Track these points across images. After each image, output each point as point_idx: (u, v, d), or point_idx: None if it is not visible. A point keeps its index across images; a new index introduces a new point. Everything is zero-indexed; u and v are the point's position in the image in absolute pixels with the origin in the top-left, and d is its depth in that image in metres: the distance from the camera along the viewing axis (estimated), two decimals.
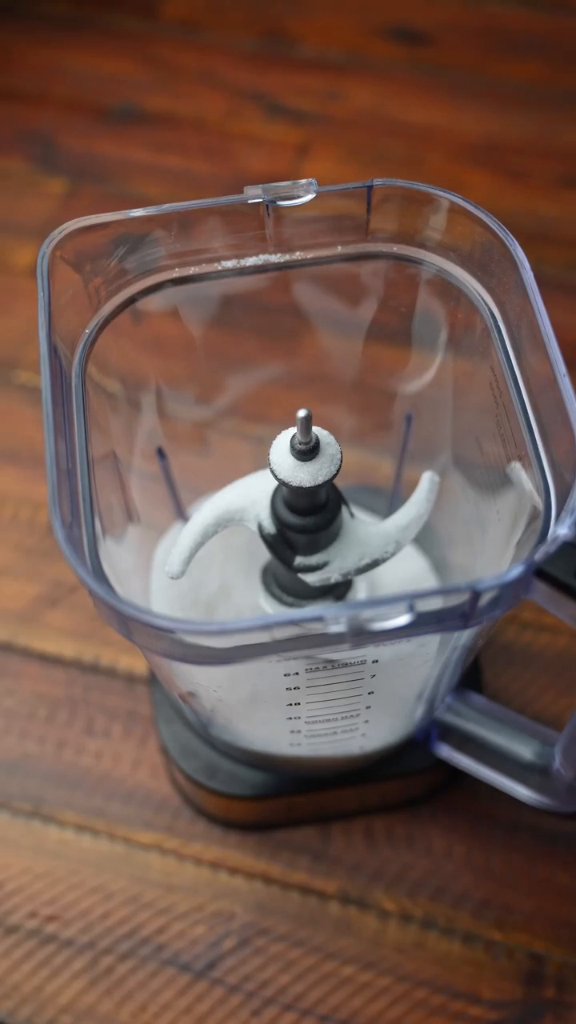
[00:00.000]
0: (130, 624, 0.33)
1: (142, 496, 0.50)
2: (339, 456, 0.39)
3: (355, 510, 0.43)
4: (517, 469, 0.39)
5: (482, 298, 0.41)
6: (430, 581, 0.54)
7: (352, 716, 0.45)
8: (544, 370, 0.37)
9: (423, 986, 0.51)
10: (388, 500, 0.57)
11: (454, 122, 0.80)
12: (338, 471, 0.39)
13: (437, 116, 0.81)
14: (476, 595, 0.33)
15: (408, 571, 0.54)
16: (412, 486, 0.44)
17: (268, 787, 0.52)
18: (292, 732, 0.46)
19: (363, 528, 0.42)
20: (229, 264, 0.42)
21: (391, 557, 0.43)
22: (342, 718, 0.45)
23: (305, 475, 0.39)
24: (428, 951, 0.52)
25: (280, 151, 0.79)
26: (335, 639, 0.33)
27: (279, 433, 0.40)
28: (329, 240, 0.42)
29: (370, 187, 0.40)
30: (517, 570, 0.33)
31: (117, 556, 0.41)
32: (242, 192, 0.40)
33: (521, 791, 0.47)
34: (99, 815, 0.55)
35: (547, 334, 0.37)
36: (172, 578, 0.43)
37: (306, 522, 0.41)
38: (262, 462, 0.41)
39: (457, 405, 0.48)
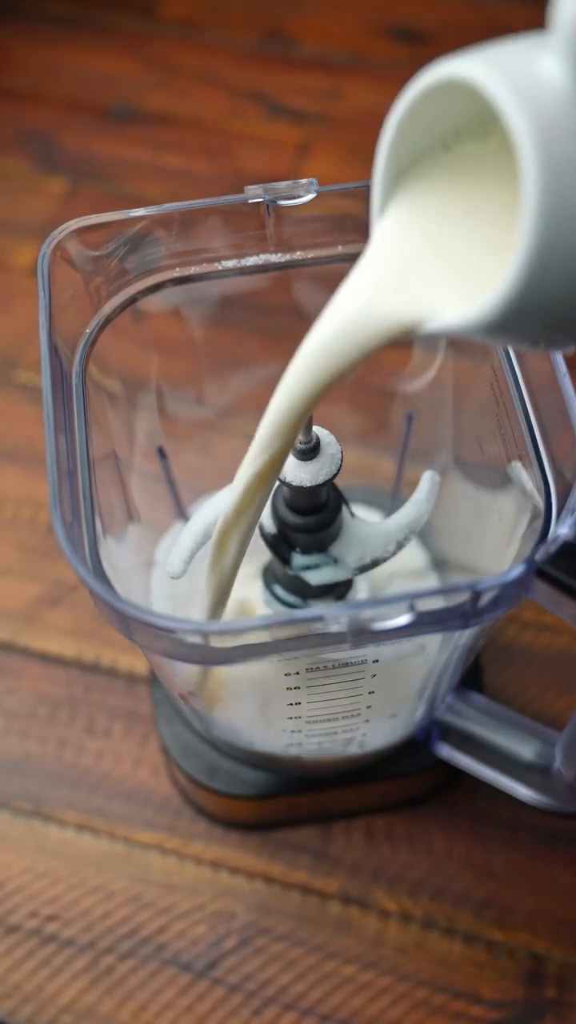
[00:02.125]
0: (131, 624, 0.33)
1: (142, 496, 0.50)
2: (339, 456, 0.39)
3: (355, 510, 0.43)
4: (517, 469, 0.39)
5: None
6: (432, 580, 0.54)
7: (352, 716, 0.45)
8: (545, 369, 0.37)
9: (424, 986, 0.51)
10: (388, 500, 0.57)
11: None
12: (339, 470, 0.39)
13: None
14: (476, 595, 0.33)
15: (411, 570, 0.54)
16: (412, 486, 0.44)
17: (269, 787, 0.52)
18: (292, 732, 0.46)
19: (364, 528, 0.42)
20: (229, 264, 0.42)
21: (391, 557, 0.43)
22: (342, 718, 0.45)
23: (306, 474, 0.39)
24: (429, 951, 0.52)
25: (280, 151, 0.79)
26: (335, 639, 0.33)
27: None
28: (330, 240, 0.42)
29: (370, 187, 0.40)
30: (518, 570, 0.33)
31: (118, 555, 0.41)
32: (242, 192, 0.40)
33: (521, 791, 0.47)
34: (100, 815, 0.55)
35: None
36: (173, 577, 0.43)
37: (307, 521, 0.41)
38: None
39: (458, 405, 0.48)
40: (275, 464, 0.34)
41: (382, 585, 0.53)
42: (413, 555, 0.54)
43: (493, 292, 0.24)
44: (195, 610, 0.52)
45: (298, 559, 0.42)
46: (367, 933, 0.52)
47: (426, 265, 0.28)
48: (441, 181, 0.29)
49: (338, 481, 0.41)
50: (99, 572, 0.35)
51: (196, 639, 0.33)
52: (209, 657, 0.34)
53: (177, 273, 0.42)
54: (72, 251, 0.39)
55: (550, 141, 0.23)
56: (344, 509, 0.42)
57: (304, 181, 0.40)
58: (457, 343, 0.45)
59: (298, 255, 0.42)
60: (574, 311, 0.25)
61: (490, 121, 0.28)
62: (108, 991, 0.51)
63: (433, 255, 0.28)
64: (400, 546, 0.43)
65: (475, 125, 0.28)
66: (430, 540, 0.55)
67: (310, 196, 0.40)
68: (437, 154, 0.29)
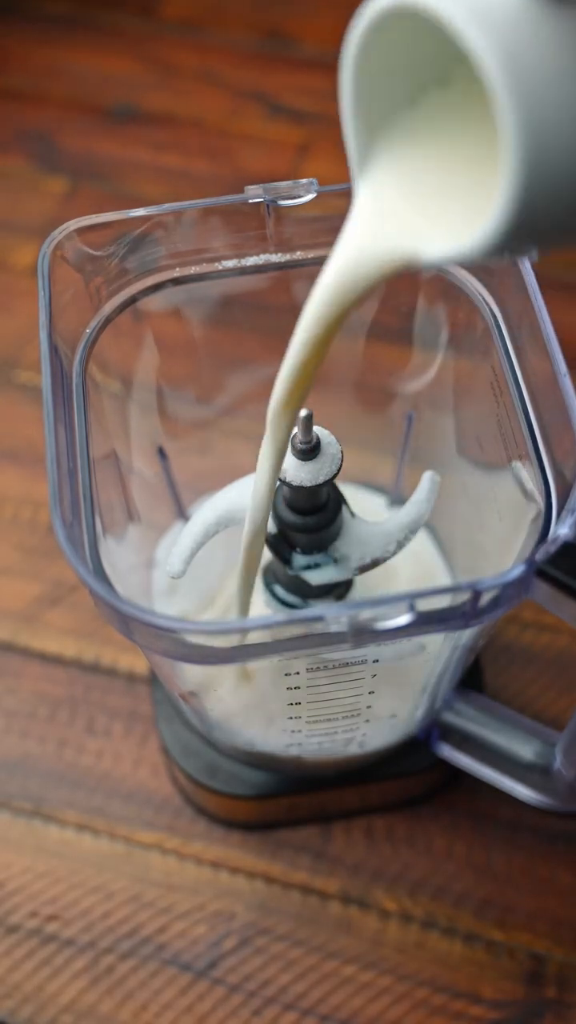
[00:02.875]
0: (131, 624, 0.33)
1: (143, 495, 0.50)
2: (340, 455, 0.39)
3: (355, 510, 0.43)
4: (518, 469, 0.39)
5: (483, 297, 0.41)
6: (444, 577, 0.54)
7: (353, 716, 0.45)
8: (545, 369, 0.37)
9: (424, 986, 0.51)
10: (389, 500, 0.57)
11: None
12: (339, 470, 0.39)
13: None
14: (477, 595, 0.33)
15: (421, 567, 0.54)
16: (413, 486, 0.44)
17: (269, 787, 0.52)
18: (293, 732, 0.46)
19: (364, 527, 0.42)
20: (230, 264, 0.42)
21: (392, 556, 0.43)
22: (343, 718, 0.45)
23: (306, 474, 0.39)
24: (429, 951, 0.52)
25: (280, 151, 0.79)
26: (336, 639, 0.33)
27: None
28: (330, 240, 0.42)
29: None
30: (518, 570, 0.33)
31: (118, 555, 0.41)
32: (242, 192, 0.40)
33: (522, 791, 0.47)
34: (100, 814, 0.55)
35: (548, 334, 0.37)
36: (173, 577, 0.43)
37: (307, 521, 0.41)
38: None
39: (458, 405, 0.48)
40: (303, 382, 0.34)
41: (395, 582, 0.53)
42: (427, 551, 0.54)
43: (491, 212, 0.24)
44: (196, 610, 0.52)
45: (298, 559, 0.42)
46: (367, 933, 0.52)
47: (415, 207, 0.28)
48: (415, 132, 0.28)
49: (338, 481, 0.41)
50: (99, 572, 0.35)
51: (196, 639, 0.33)
52: (209, 657, 0.34)
53: (177, 273, 0.42)
54: (72, 251, 0.39)
55: (512, 54, 0.23)
56: (344, 509, 0.42)
57: (304, 181, 0.40)
58: (457, 343, 0.45)
59: (298, 255, 0.42)
60: (562, 220, 0.25)
61: (452, 64, 0.27)
62: (108, 991, 0.51)
63: (422, 197, 0.28)
64: (400, 546, 0.43)
65: (438, 73, 0.28)
66: (430, 540, 0.55)
67: (310, 196, 0.40)
68: (406, 110, 0.29)
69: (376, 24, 0.26)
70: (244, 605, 0.44)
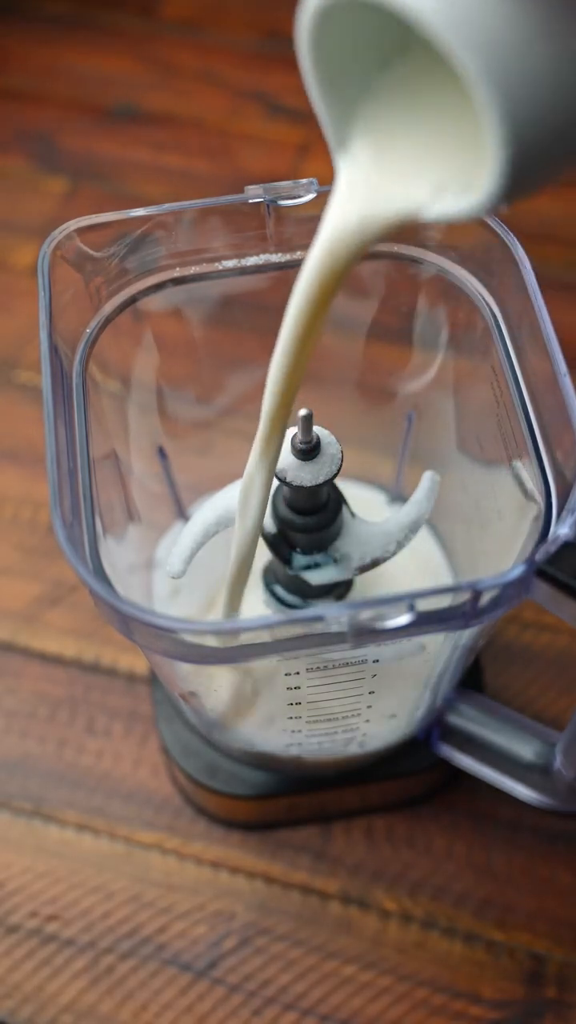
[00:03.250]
0: (131, 623, 0.33)
1: (143, 495, 0.50)
2: (340, 455, 0.39)
3: (355, 508, 0.43)
4: (518, 468, 0.39)
5: (483, 297, 0.41)
6: (444, 576, 0.54)
7: (353, 716, 0.45)
8: (545, 369, 0.37)
9: (424, 986, 0.51)
10: (389, 498, 0.57)
11: None
12: (339, 470, 0.39)
13: None
14: (477, 595, 0.33)
15: (424, 565, 0.54)
16: (413, 485, 0.44)
17: (269, 787, 0.52)
18: (293, 732, 0.46)
19: (364, 527, 0.42)
20: (230, 264, 0.42)
21: (392, 556, 0.43)
22: (343, 718, 0.45)
23: (306, 474, 0.39)
24: (429, 951, 0.52)
25: (280, 151, 0.79)
26: (336, 639, 0.33)
27: None
28: None
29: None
30: (518, 570, 0.33)
31: (118, 555, 0.41)
32: (242, 192, 0.40)
33: (522, 791, 0.47)
34: (100, 814, 0.55)
35: (548, 333, 0.37)
36: (173, 577, 0.43)
37: (307, 521, 0.41)
38: None
39: (458, 404, 0.48)
40: (299, 363, 0.33)
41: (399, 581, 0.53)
42: (429, 550, 0.54)
43: (486, 175, 0.24)
44: (196, 610, 0.52)
45: (299, 559, 0.42)
46: (367, 933, 0.52)
47: (408, 168, 0.28)
48: (395, 94, 0.28)
49: (338, 480, 0.41)
50: (99, 572, 0.35)
51: (196, 639, 0.33)
52: (209, 657, 0.34)
53: (177, 273, 0.42)
54: (72, 251, 0.39)
55: (466, 22, 0.22)
56: (344, 509, 0.42)
57: (304, 181, 0.40)
58: (457, 343, 0.45)
59: (298, 255, 0.42)
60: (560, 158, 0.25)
61: (405, 30, 0.26)
62: (108, 991, 0.51)
63: (411, 152, 0.28)
64: (400, 546, 0.43)
65: (398, 42, 0.27)
66: (430, 540, 0.55)
67: (310, 196, 0.40)
68: (375, 81, 0.28)
69: (323, 12, 0.25)
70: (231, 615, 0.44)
